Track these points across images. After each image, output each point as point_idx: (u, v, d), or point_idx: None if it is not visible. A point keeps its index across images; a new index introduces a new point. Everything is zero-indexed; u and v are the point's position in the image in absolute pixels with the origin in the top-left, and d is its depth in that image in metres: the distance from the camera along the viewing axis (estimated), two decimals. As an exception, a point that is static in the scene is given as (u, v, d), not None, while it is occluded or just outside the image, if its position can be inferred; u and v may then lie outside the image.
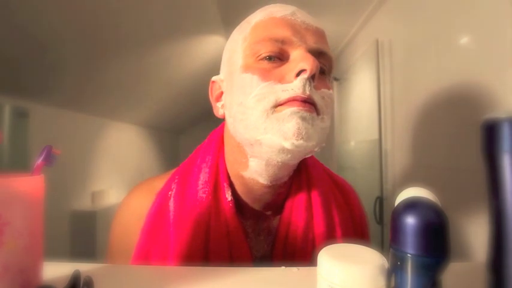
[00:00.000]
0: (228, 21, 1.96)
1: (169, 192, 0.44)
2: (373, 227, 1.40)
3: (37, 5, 1.17)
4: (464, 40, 0.93)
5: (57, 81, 1.66)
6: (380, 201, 1.51)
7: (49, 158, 0.36)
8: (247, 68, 0.37)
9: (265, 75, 0.36)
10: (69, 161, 1.90)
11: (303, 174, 0.47)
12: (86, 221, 2.01)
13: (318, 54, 0.37)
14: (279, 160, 0.38)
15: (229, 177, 0.44)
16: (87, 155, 2.28)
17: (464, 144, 0.92)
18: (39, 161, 0.35)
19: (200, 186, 0.43)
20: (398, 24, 1.42)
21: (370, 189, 1.58)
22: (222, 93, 0.43)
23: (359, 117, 1.95)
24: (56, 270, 0.37)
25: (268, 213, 0.47)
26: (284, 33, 0.36)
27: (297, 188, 0.46)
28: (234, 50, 0.41)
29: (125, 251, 0.43)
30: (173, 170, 0.49)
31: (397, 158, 1.42)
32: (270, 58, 0.37)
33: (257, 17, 0.40)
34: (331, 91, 0.39)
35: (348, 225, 0.47)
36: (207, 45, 2.24)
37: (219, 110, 0.44)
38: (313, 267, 0.30)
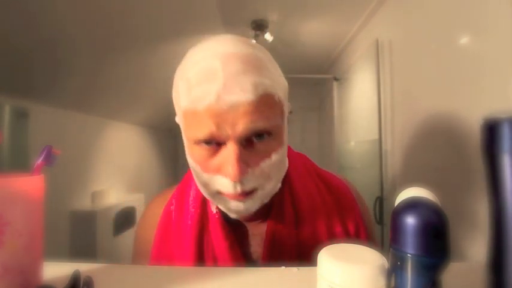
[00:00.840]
0: (228, 21, 1.96)
1: (171, 207, 0.50)
2: (373, 227, 1.39)
3: (33, 6, 1.17)
4: (464, 40, 0.93)
5: (57, 81, 1.66)
6: (380, 201, 1.51)
7: (49, 158, 0.36)
8: (191, 153, 0.40)
9: (205, 166, 0.39)
10: (69, 161, 1.90)
11: (285, 187, 0.48)
12: (86, 221, 2.01)
13: (252, 132, 0.36)
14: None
15: None
16: (87, 155, 2.28)
17: (464, 144, 0.92)
18: (39, 161, 0.35)
19: (191, 202, 0.49)
20: (398, 24, 1.42)
21: (370, 189, 1.58)
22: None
23: (359, 117, 1.95)
24: (56, 270, 0.37)
25: (258, 221, 0.48)
26: (209, 129, 0.35)
27: (280, 200, 0.47)
28: (178, 115, 0.41)
29: (146, 252, 0.50)
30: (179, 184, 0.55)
31: (397, 158, 1.42)
32: (207, 143, 0.37)
33: (184, 99, 0.37)
34: (273, 157, 0.39)
35: (338, 229, 0.48)
36: (207, 45, 2.23)
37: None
38: (313, 267, 0.30)
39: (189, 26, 1.89)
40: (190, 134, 0.38)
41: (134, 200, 2.57)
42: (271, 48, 2.37)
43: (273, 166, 0.40)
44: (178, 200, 0.50)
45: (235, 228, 0.47)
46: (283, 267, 0.42)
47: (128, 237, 2.39)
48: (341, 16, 1.86)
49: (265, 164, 0.39)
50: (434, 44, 1.10)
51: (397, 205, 0.26)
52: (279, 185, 0.43)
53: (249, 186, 0.38)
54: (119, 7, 1.41)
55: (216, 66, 0.35)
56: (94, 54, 1.65)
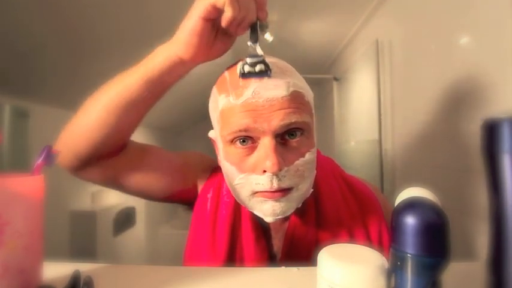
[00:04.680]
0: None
1: (208, 195, 0.53)
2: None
3: (34, 6, 1.17)
4: (464, 40, 0.93)
5: (57, 81, 1.66)
6: (380, 201, 1.50)
7: (49, 158, 0.36)
8: (226, 155, 0.42)
9: (240, 167, 0.40)
10: (69, 161, 1.89)
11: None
12: (86, 221, 2.00)
13: (287, 126, 0.39)
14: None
15: None
16: (87, 155, 2.28)
17: (464, 144, 0.92)
18: (39, 161, 0.35)
19: (225, 193, 0.52)
20: (398, 24, 1.42)
21: (370, 189, 1.57)
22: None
23: (359, 117, 1.94)
24: (56, 270, 0.37)
25: (282, 218, 0.49)
26: (246, 122, 0.38)
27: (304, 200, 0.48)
28: (214, 126, 0.45)
29: (185, 163, 0.54)
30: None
31: (397, 158, 1.42)
32: (242, 141, 0.40)
33: (221, 102, 0.41)
34: (307, 156, 0.41)
35: (359, 233, 0.49)
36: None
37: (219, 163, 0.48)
38: (313, 267, 0.30)
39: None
40: (227, 130, 0.40)
41: (134, 200, 2.56)
42: (271, 48, 2.37)
43: (307, 166, 0.41)
44: (215, 190, 0.52)
45: (261, 221, 0.49)
46: (283, 267, 0.42)
47: (128, 237, 2.39)
48: (341, 16, 1.86)
49: (300, 163, 0.40)
50: (434, 44, 1.10)
51: (397, 205, 0.26)
52: (312, 189, 0.45)
53: (285, 184, 0.39)
54: (123, 6, 1.41)
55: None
56: (94, 55, 1.65)
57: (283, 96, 0.38)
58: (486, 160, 0.25)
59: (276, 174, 0.38)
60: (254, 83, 0.38)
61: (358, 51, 1.94)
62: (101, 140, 0.43)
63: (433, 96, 1.11)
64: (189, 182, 0.54)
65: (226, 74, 0.43)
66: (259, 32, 0.40)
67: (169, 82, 0.42)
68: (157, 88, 0.42)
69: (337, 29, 2.06)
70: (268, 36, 2.06)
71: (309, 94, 0.44)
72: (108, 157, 0.47)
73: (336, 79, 2.40)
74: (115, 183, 0.50)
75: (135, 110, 0.43)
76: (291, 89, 0.39)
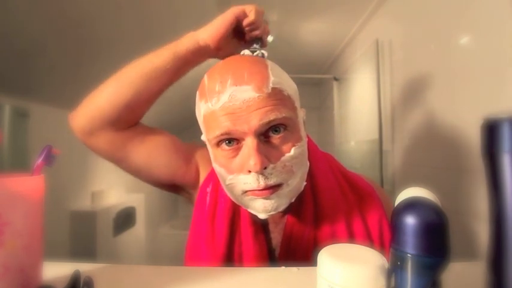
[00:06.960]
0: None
1: (207, 189, 0.53)
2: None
3: (34, 6, 1.17)
4: (464, 40, 0.93)
5: (57, 81, 1.66)
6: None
7: (49, 158, 0.36)
8: (215, 158, 0.44)
9: (228, 168, 0.42)
10: (68, 161, 1.89)
11: (307, 183, 0.48)
12: (86, 221, 2.00)
13: (267, 125, 0.39)
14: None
15: None
16: (87, 155, 2.27)
17: (464, 144, 0.92)
18: (39, 161, 0.35)
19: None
20: (398, 24, 1.42)
21: (370, 189, 1.57)
22: None
23: (359, 117, 1.95)
24: (56, 270, 0.37)
25: (281, 213, 0.49)
26: (226, 125, 0.39)
27: (301, 195, 0.47)
28: (202, 131, 0.46)
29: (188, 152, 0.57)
30: None
31: (397, 158, 1.42)
32: (228, 143, 0.41)
33: (202, 108, 0.42)
34: (293, 151, 0.41)
35: (358, 228, 0.48)
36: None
37: None
38: (313, 267, 0.30)
39: (189, 26, 1.89)
40: (211, 134, 0.41)
41: (134, 200, 2.56)
42: (271, 48, 2.37)
43: (295, 160, 0.41)
44: (215, 184, 0.53)
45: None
46: (283, 267, 0.42)
47: (127, 237, 2.39)
48: (341, 16, 1.86)
49: (287, 158, 0.40)
50: (434, 44, 1.10)
51: (397, 205, 0.26)
52: (305, 182, 0.45)
53: (273, 181, 0.40)
54: (123, 6, 1.41)
55: (228, 69, 0.41)
56: (94, 55, 1.65)
57: (259, 96, 0.38)
58: (486, 160, 0.25)
59: (261, 173, 0.39)
60: (230, 88, 0.39)
61: (358, 51, 1.94)
62: (125, 101, 0.49)
63: (432, 96, 1.11)
64: (192, 166, 0.56)
65: (205, 79, 0.43)
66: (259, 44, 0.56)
67: (189, 63, 0.51)
68: (180, 64, 0.50)
69: (337, 29, 2.06)
70: (268, 36, 2.06)
71: (290, 88, 0.43)
72: (120, 126, 0.51)
73: (336, 79, 2.40)
74: (120, 155, 0.53)
75: (158, 79, 0.50)
76: (268, 87, 0.39)
